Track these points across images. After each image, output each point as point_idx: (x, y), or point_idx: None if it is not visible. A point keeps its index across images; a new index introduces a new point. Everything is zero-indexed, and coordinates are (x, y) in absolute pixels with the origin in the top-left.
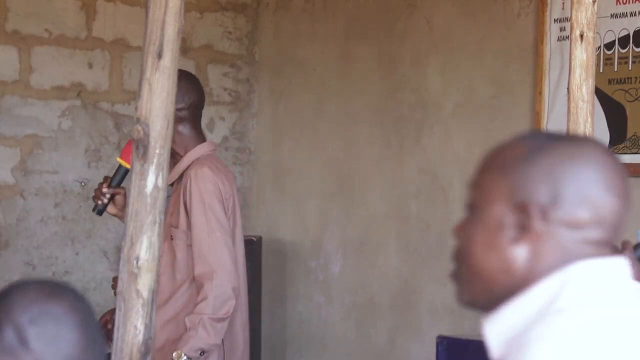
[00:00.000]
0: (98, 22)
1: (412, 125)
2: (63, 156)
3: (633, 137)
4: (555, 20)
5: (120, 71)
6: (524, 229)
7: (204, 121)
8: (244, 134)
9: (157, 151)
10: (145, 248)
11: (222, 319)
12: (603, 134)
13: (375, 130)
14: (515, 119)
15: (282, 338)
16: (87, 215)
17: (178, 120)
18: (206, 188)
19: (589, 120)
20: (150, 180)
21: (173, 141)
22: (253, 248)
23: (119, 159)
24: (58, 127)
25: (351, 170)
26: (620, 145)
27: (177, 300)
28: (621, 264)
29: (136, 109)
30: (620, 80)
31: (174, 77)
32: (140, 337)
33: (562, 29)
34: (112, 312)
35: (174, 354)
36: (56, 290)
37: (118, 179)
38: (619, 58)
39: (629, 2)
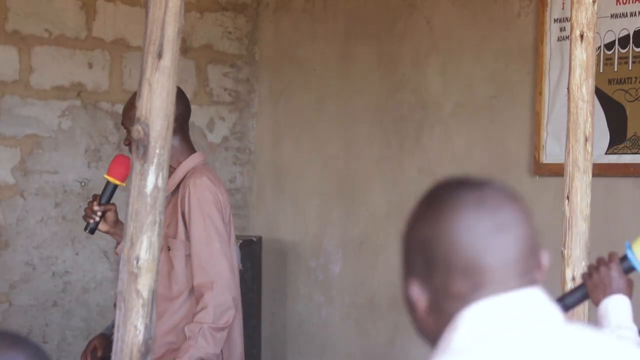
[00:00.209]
0: (98, 22)
1: (412, 125)
2: (63, 156)
3: (633, 137)
4: (555, 20)
5: (120, 71)
6: (416, 305)
7: (204, 121)
8: (244, 134)
9: (157, 151)
10: (145, 248)
11: (222, 329)
12: (603, 134)
13: (375, 130)
14: (515, 119)
15: (282, 338)
16: None
17: None
18: (205, 198)
19: (589, 120)
20: (150, 180)
21: None
22: (253, 248)
23: (106, 176)
24: (58, 127)
25: (351, 170)
26: (620, 145)
27: (176, 312)
28: (511, 299)
29: (136, 109)
30: (620, 80)
31: (174, 77)
32: (140, 337)
33: (562, 29)
34: (100, 338)
35: None
36: (18, 340)
37: (107, 196)
38: (619, 58)
39: (629, 2)
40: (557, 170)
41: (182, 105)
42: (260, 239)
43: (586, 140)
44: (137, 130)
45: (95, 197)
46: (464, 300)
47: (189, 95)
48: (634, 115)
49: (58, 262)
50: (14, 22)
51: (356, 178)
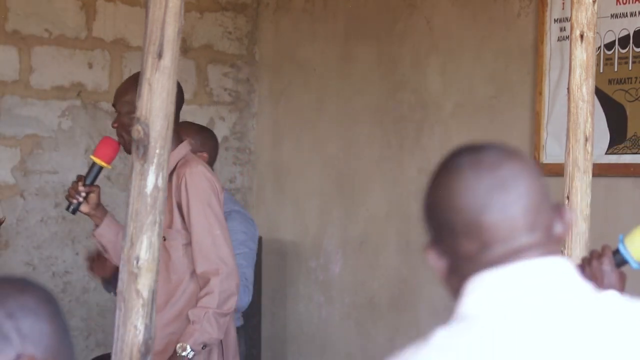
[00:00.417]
0: (98, 22)
1: (412, 125)
2: (63, 156)
3: (633, 137)
4: (555, 20)
5: (120, 71)
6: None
7: (204, 121)
8: (244, 134)
9: (157, 151)
10: (145, 248)
11: (225, 314)
12: (603, 134)
13: (375, 130)
14: (515, 119)
15: (282, 338)
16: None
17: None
18: (203, 186)
19: (589, 120)
20: (150, 180)
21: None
22: None
23: (92, 157)
24: (58, 127)
25: (351, 170)
26: (620, 145)
27: (176, 302)
28: (521, 270)
29: (136, 108)
30: (620, 80)
31: (174, 77)
32: (140, 337)
33: (562, 29)
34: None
35: (177, 347)
36: (27, 284)
37: (92, 177)
38: (619, 58)
39: (629, 2)
40: (557, 170)
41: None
42: (260, 239)
43: (586, 140)
44: (137, 130)
45: (80, 177)
46: (476, 260)
47: (188, 95)
48: (634, 115)
49: (58, 262)
50: (14, 22)
51: (356, 178)
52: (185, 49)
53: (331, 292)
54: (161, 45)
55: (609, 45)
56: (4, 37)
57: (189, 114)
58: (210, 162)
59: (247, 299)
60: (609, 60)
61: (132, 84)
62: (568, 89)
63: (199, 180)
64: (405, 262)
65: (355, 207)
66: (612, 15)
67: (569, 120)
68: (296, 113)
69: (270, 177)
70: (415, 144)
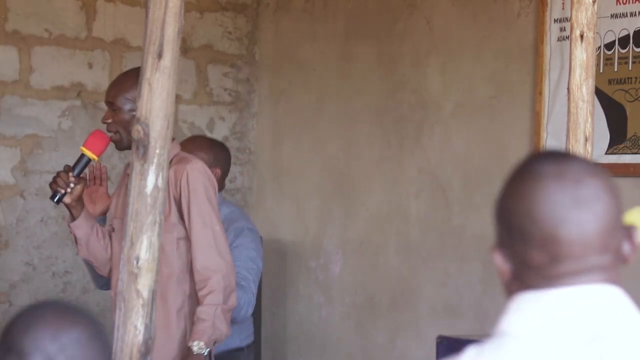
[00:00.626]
0: (98, 22)
1: (412, 125)
2: (63, 156)
3: (633, 137)
4: (555, 20)
5: (120, 71)
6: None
7: (204, 121)
8: (244, 134)
9: (157, 151)
10: (145, 248)
11: (230, 310)
12: (603, 134)
13: (375, 130)
14: (515, 119)
15: (282, 338)
16: None
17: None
18: (204, 182)
19: (589, 120)
20: (150, 180)
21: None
22: None
23: (83, 148)
24: (58, 127)
25: (351, 170)
26: (620, 145)
27: (167, 296)
28: (576, 294)
29: (136, 109)
30: (620, 80)
31: (174, 77)
32: (140, 337)
33: (562, 29)
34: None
35: (194, 346)
36: (77, 315)
37: (80, 168)
38: (619, 58)
39: (629, 2)
40: None
41: None
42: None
43: (586, 140)
44: (137, 130)
45: (68, 167)
46: (543, 272)
47: (188, 95)
48: (634, 115)
49: (58, 262)
50: (14, 22)
51: (356, 178)
52: (185, 49)
53: (331, 292)
54: (161, 45)
55: (609, 45)
56: (4, 37)
57: (189, 114)
58: (224, 177)
59: (250, 310)
60: (609, 60)
61: (134, 79)
62: (568, 89)
63: (201, 176)
64: (405, 262)
65: (355, 207)
66: (612, 15)
67: (569, 120)
68: (296, 113)
69: (270, 177)
70: (415, 144)
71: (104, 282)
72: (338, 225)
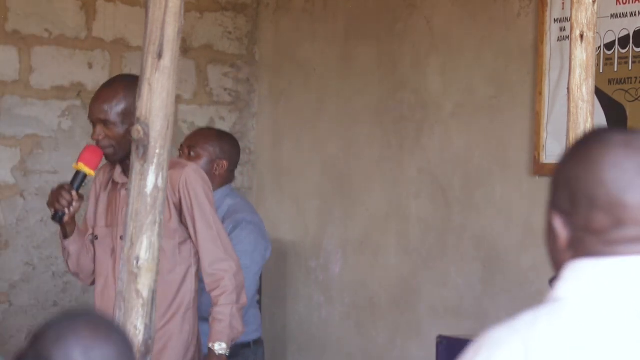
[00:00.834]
0: (98, 22)
1: (412, 125)
2: (63, 156)
3: None
4: (555, 20)
5: (120, 71)
6: (558, 236)
7: (204, 121)
8: (244, 134)
9: (157, 151)
10: (145, 248)
11: (242, 308)
12: None
13: (375, 130)
14: (515, 119)
15: (282, 338)
16: None
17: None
18: (202, 185)
19: (589, 120)
20: (150, 180)
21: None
22: None
23: (82, 165)
24: (58, 127)
25: (351, 170)
26: None
27: (174, 301)
28: (633, 264)
29: (136, 109)
30: (620, 80)
31: (174, 77)
32: (140, 337)
33: (562, 29)
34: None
35: (214, 347)
36: (110, 331)
37: (77, 185)
38: (619, 58)
39: (629, 2)
40: None
41: None
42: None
43: None
44: (137, 130)
45: (69, 186)
46: (605, 235)
47: (188, 95)
48: (634, 115)
49: (58, 262)
50: (14, 22)
51: (356, 178)
52: (185, 49)
53: (331, 292)
54: (161, 45)
55: (609, 45)
56: (4, 37)
57: (189, 114)
58: (232, 169)
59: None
60: (609, 60)
61: (121, 91)
62: (568, 89)
63: (199, 179)
64: (405, 262)
65: (355, 207)
66: (612, 15)
67: (569, 120)
68: (296, 113)
69: (270, 177)
70: (415, 144)
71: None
72: (338, 225)
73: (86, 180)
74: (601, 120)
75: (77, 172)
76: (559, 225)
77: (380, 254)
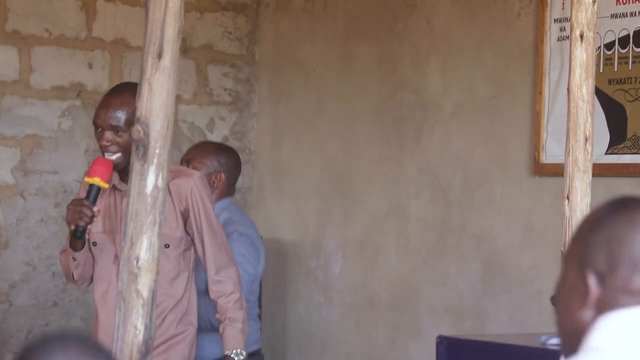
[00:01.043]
0: (98, 22)
1: (412, 125)
2: (63, 156)
3: (633, 137)
4: (555, 20)
5: (120, 71)
6: (587, 294)
7: (204, 121)
8: (244, 134)
9: (157, 151)
10: (145, 248)
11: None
12: (603, 134)
13: (375, 130)
14: (515, 119)
15: (282, 338)
16: None
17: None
18: (207, 193)
19: (589, 120)
20: (150, 180)
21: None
22: None
23: (97, 180)
24: (58, 127)
25: (351, 170)
26: (620, 146)
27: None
28: None
29: (136, 109)
30: (620, 80)
31: (174, 77)
32: (140, 337)
33: (562, 29)
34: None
35: (232, 354)
36: (99, 354)
37: (93, 199)
38: (619, 58)
39: (629, 2)
40: (557, 170)
41: None
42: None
43: (586, 140)
44: (137, 130)
45: (90, 202)
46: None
47: (188, 95)
48: (634, 115)
49: (58, 262)
50: (14, 22)
51: (356, 178)
52: (185, 49)
53: (331, 292)
54: (161, 45)
55: (609, 45)
56: (4, 37)
57: (189, 114)
58: (231, 182)
59: None
60: (608, 60)
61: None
62: (568, 89)
63: (205, 187)
64: (405, 262)
65: (355, 207)
66: (612, 15)
67: (569, 120)
68: (296, 113)
69: (270, 177)
70: (415, 144)
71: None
72: (338, 225)
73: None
74: (601, 120)
75: (92, 186)
76: (594, 283)
77: (380, 254)
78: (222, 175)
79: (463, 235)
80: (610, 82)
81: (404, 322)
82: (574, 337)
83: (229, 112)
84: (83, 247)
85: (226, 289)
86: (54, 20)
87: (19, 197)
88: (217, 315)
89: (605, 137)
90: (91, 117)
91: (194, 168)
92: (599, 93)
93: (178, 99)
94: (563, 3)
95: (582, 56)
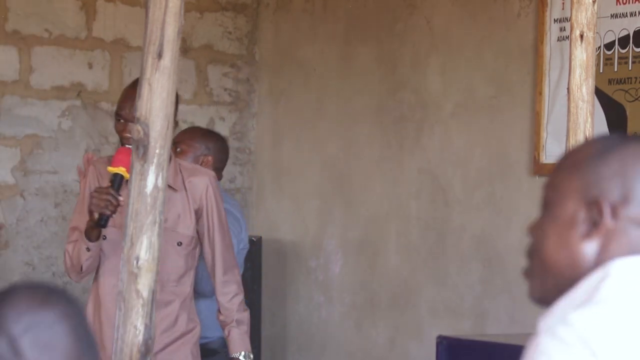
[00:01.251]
0: (98, 22)
1: (412, 125)
2: (63, 156)
3: None
4: (555, 20)
5: (120, 71)
6: (594, 225)
7: (204, 121)
8: (244, 134)
9: (157, 151)
10: (145, 248)
11: None
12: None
13: (375, 130)
14: (515, 119)
15: (282, 338)
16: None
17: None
18: (221, 194)
19: (589, 120)
20: (150, 180)
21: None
22: (253, 248)
23: (122, 170)
24: (58, 127)
25: (351, 170)
26: None
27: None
28: None
29: (136, 109)
30: (620, 80)
31: (174, 77)
32: (140, 337)
33: (562, 29)
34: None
35: (240, 356)
36: (48, 296)
37: (117, 188)
38: (619, 58)
39: (629, 2)
40: None
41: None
42: (260, 239)
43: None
44: (137, 130)
45: (113, 190)
46: None
47: (188, 95)
48: (634, 115)
49: (58, 262)
50: (14, 22)
51: (356, 178)
52: (185, 49)
53: (331, 292)
54: (161, 45)
55: (609, 45)
56: (4, 37)
57: (189, 114)
58: (217, 167)
59: None
60: (608, 60)
61: None
62: (568, 89)
63: (219, 186)
64: (405, 262)
65: (355, 207)
66: (612, 15)
67: (569, 120)
68: (296, 113)
69: (270, 177)
70: (415, 144)
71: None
72: (338, 225)
73: None
74: (601, 120)
75: (116, 175)
76: (608, 212)
77: (380, 254)
78: (209, 158)
79: (463, 235)
80: (610, 82)
81: (404, 322)
82: (567, 272)
83: (229, 112)
84: (98, 238)
85: (232, 290)
86: (54, 20)
87: (19, 197)
88: (221, 317)
89: None
90: (91, 117)
91: (182, 151)
92: (599, 93)
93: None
94: (563, 3)
95: (582, 56)
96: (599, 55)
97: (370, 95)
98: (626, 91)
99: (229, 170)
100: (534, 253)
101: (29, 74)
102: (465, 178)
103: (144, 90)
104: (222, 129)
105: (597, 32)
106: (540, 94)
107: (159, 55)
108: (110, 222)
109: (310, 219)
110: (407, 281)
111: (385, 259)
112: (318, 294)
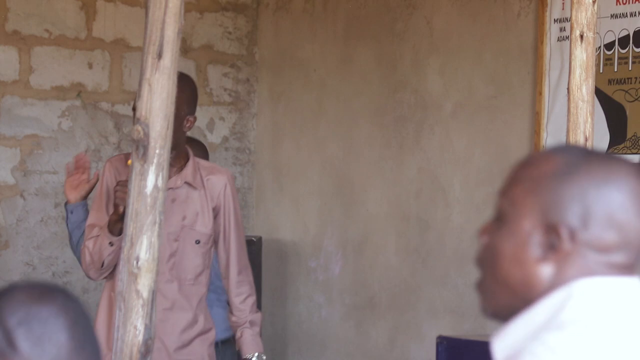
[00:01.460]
0: (98, 22)
1: (412, 125)
2: (63, 156)
3: (633, 137)
4: (555, 20)
5: (120, 71)
6: (551, 248)
7: (204, 121)
8: (244, 134)
9: (157, 151)
10: (145, 248)
11: None
12: (603, 134)
13: (375, 130)
14: (515, 119)
15: (282, 338)
16: None
17: (187, 123)
18: (236, 193)
19: (589, 120)
20: (150, 180)
21: (179, 144)
22: (253, 248)
23: None
24: (58, 127)
25: (351, 170)
26: (620, 146)
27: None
28: (633, 284)
29: (136, 109)
30: (620, 81)
31: (174, 78)
32: (140, 337)
33: (562, 29)
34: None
35: (255, 357)
36: (46, 292)
37: None
38: (619, 58)
39: (629, 2)
40: None
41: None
42: (260, 239)
43: (586, 140)
44: (137, 130)
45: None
46: (608, 254)
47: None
48: (634, 115)
49: (58, 262)
50: (14, 22)
51: (356, 178)
52: (185, 49)
53: (331, 292)
54: (161, 46)
55: (609, 46)
56: (4, 37)
57: None
58: None
59: None
60: (608, 60)
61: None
62: (568, 89)
63: (235, 186)
64: (405, 262)
65: (355, 207)
66: (612, 15)
67: (569, 120)
68: (296, 113)
69: (270, 177)
70: (415, 144)
71: None
72: (338, 225)
73: None
74: (601, 120)
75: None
76: (567, 238)
77: (380, 254)
78: None
79: (463, 235)
80: (610, 82)
81: (404, 322)
82: (520, 291)
83: (229, 113)
84: (121, 232)
85: (246, 290)
86: (54, 20)
87: (19, 197)
88: (233, 318)
89: (605, 137)
90: (91, 117)
91: None
92: (599, 93)
93: None
94: (563, 3)
95: (582, 56)
96: (599, 56)
97: (370, 96)
98: (626, 91)
99: (229, 170)
100: (486, 264)
101: (29, 74)
102: (465, 178)
103: (144, 90)
104: (222, 129)
105: (597, 32)
106: (540, 94)
107: (159, 56)
108: None
109: (310, 219)
110: (407, 281)
111: (385, 259)
112: (318, 294)
